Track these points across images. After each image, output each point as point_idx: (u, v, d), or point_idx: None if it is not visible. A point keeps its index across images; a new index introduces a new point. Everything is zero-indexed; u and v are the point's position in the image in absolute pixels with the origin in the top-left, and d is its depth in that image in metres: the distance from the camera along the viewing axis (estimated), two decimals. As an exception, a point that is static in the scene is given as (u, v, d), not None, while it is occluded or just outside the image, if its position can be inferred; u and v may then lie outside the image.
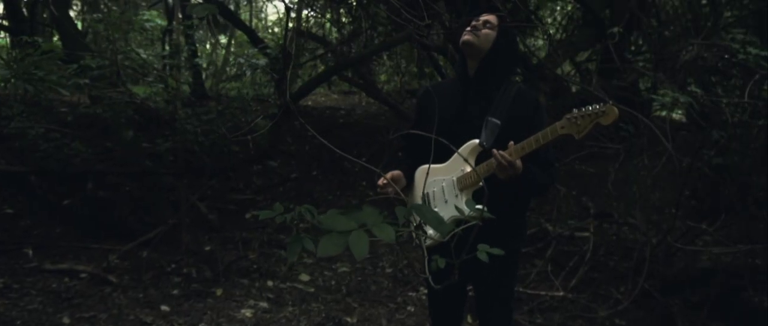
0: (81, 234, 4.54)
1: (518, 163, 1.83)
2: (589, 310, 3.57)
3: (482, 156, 1.92)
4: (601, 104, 1.71)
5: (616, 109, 1.69)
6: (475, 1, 4.61)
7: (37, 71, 3.06)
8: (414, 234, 2.11)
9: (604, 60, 4.47)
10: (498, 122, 1.94)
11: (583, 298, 3.70)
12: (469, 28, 2.01)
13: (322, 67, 7.66)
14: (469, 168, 1.93)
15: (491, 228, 1.92)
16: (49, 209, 4.81)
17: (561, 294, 3.59)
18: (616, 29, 3.69)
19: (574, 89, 5.69)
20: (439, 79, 8.02)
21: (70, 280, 3.63)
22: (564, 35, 7.31)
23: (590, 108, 1.72)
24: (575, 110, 1.74)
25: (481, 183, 1.88)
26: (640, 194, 4.46)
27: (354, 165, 6.41)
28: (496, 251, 1.25)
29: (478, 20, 2.03)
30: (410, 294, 3.94)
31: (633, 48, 6.99)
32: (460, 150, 1.95)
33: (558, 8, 8.81)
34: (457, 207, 1.89)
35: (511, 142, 1.84)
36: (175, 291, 3.67)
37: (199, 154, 4.35)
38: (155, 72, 3.68)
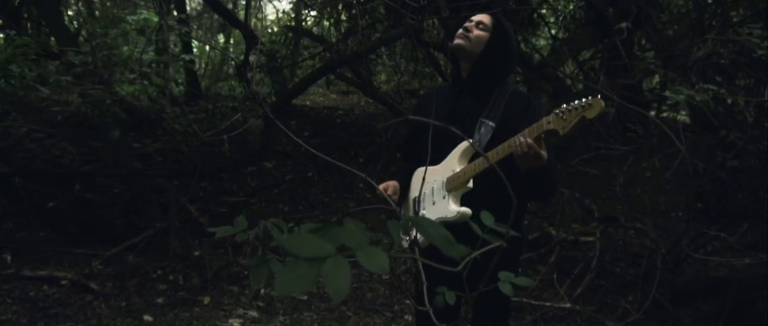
0: (66, 238, 4.36)
1: (542, 152, 1.71)
2: (596, 322, 3.39)
3: (475, 157, 1.85)
4: (589, 98, 1.63)
5: (602, 103, 1.61)
6: None
7: (13, 67, 2.87)
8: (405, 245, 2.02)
9: (610, 58, 4.29)
10: (492, 124, 1.87)
11: (589, 310, 3.51)
12: (461, 31, 1.93)
13: (321, 65, 7.48)
14: (458, 169, 1.85)
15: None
16: (34, 211, 4.64)
17: (568, 305, 3.40)
18: (624, 25, 3.51)
19: (580, 87, 5.51)
20: (439, 78, 7.84)
21: (49, 287, 3.45)
22: (565, 34, 7.14)
23: (577, 102, 1.64)
24: (564, 105, 1.66)
25: (470, 185, 1.82)
26: (648, 198, 4.28)
27: (352, 166, 6.23)
28: (525, 282, 1.06)
29: (470, 21, 1.95)
30: (408, 301, 3.76)
31: (636, 47, 6.81)
32: (452, 151, 1.88)
33: (560, 6, 8.62)
34: (459, 212, 1.81)
35: (505, 143, 1.74)
36: (160, 300, 3.48)
37: (188, 155, 4.17)
38: (139, 69, 3.49)
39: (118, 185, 5.12)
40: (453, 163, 1.88)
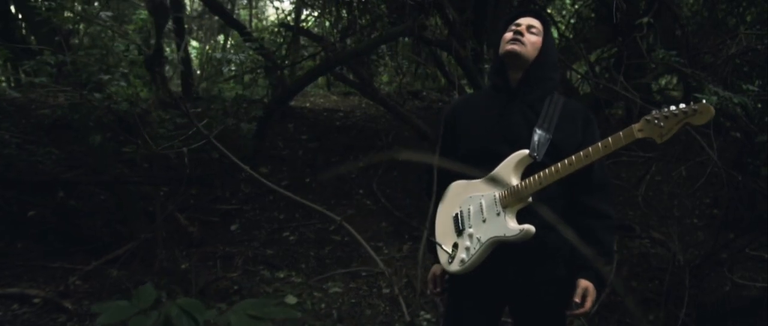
0: (44, 251, 4.10)
1: None
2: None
3: (529, 170, 1.69)
4: (692, 103, 1.48)
5: (712, 109, 1.44)
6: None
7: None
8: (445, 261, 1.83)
9: (628, 57, 4.03)
10: (548, 135, 1.73)
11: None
12: (512, 36, 1.76)
13: (317, 64, 7.21)
14: (515, 183, 1.68)
15: (541, 255, 1.73)
16: (12, 221, 4.37)
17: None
18: (645, 20, 3.23)
19: (589, 89, 5.23)
20: (443, 79, 7.55)
21: (19, 307, 3.19)
22: (572, 34, 6.87)
23: (674, 108, 1.49)
24: (654, 111, 1.52)
25: (529, 200, 1.67)
26: (667, 206, 4.00)
27: (350, 172, 5.95)
28: None
29: (518, 25, 1.77)
30: (408, 319, 3.48)
31: (646, 45, 6.52)
32: (505, 161, 1.72)
33: (567, 4, 8.36)
34: (522, 230, 1.65)
35: (581, 153, 1.59)
36: (140, 320, 3.21)
37: (175, 161, 3.91)
38: (119, 71, 3.23)
39: (103, 193, 4.86)
40: (506, 177, 1.69)
